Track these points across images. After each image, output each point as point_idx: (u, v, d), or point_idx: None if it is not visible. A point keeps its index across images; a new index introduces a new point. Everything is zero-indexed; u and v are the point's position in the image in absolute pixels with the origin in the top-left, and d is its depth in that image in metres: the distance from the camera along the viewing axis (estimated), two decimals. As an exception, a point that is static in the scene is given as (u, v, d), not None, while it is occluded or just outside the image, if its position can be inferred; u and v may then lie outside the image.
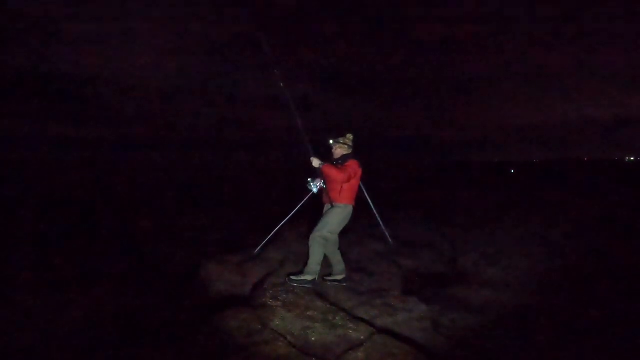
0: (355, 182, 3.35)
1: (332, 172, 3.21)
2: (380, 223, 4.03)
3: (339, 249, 3.51)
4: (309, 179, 3.46)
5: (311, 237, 3.29)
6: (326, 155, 3.50)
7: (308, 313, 2.81)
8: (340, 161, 3.38)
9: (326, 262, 3.46)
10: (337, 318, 2.76)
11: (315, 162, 3.29)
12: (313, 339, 2.53)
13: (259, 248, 4.05)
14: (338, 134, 3.50)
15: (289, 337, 2.51)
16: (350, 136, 3.50)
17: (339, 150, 3.46)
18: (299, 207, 3.96)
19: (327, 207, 3.43)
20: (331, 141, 3.48)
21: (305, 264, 3.35)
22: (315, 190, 3.44)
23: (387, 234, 4.10)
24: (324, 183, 3.39)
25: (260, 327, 2.59)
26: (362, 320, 2.78)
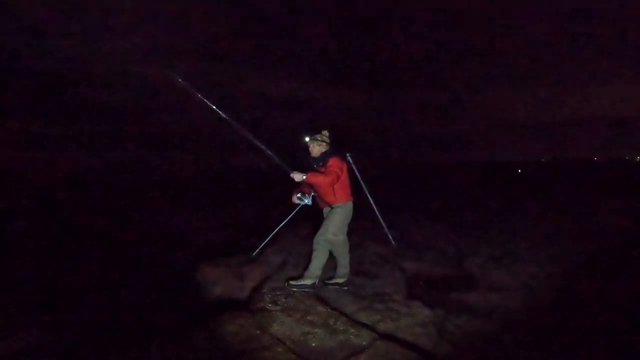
0: (345, 178, 3.24)
1: (318, 179, 3.06)
2: (383, 224, 3.97)
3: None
4: (298, 194, 3.36)
5: (315, 240, 3.21)
6: (303, 157, 3.32)
7: (308, 318, 2.74)
8: (320, 161, 3.22)
9: (327, 266, 3.38)
10: (338, 323, 2.69)
11: (297, 177, 3.06)
12: (313, 344, 2.46)
13: (257, 250, 3.98)
14: (313, 132, 3.31)
15: (288, 343, 2.44)
16: (326, 132, 3.33)
17: (317, 148, 3.29)
18: (297, 209, 3.90)
19: (326, 210, 3.35)
20: (307, 139, 3.30)
21: (306, 267, 3.27)
22: (309, 202, 3.35)
23: (389, 235, 4.03)
24: (314, 191, 3.29)
25: (258, 332, 2.52)
26: (364, 325, 2.71)
